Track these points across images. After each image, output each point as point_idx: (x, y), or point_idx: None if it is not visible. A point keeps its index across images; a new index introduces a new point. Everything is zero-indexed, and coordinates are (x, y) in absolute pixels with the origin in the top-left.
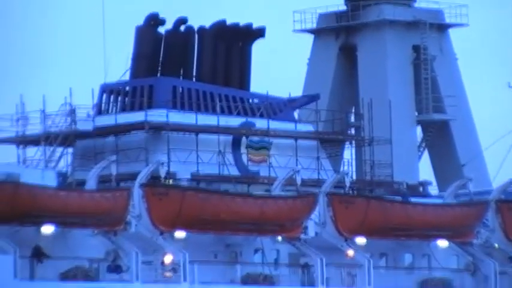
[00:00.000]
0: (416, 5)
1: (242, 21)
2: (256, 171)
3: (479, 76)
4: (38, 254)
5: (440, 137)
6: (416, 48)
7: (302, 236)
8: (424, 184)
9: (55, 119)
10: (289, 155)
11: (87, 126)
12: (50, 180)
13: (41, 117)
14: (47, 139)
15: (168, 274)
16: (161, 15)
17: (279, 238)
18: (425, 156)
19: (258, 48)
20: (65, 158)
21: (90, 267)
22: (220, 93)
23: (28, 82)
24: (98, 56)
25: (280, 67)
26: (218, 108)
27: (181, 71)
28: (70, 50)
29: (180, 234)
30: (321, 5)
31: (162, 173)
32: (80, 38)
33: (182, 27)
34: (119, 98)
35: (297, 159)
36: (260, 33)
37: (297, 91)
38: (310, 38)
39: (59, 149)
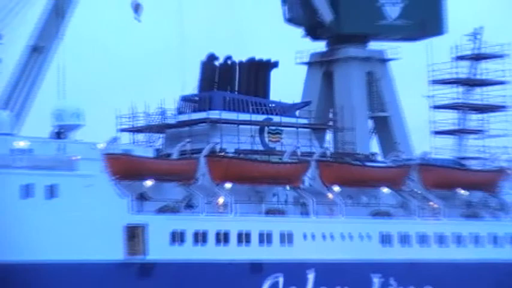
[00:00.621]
0: (370, 45)
1: (265, 57)
2: (273, 147)
3: (407, 88)
4: (142, 198)
5: (383, 126)
6: (369, 73)
7: (301, 185)
8: (374, 154)
9: (153, 117)
10: (293, 138)
11: (172, 120)
12: (149, 153)
13: (144, 116)
14: (148, 129)
15: (221, 209)
16: (216, 53)
17: (288, 187)
18: (375, 137)
19: (274, 73)
20: (159, 140)
21: (174, 205)
22: (252, 101)
23: (137, 94)
24: (178, 77)
25: (288, 85)
26: (250, 109)
27: (229, 88)
28: (161, 73)
29: (228, 185)
30: (312, 48)
31: (217, 149)
32: (164, 66)
33: (229, 61)
34: (191, 104)
35: (298, 140)
36: (275, 64)
37: (298, 99)
38: (305, 67)
39: (156, 135)
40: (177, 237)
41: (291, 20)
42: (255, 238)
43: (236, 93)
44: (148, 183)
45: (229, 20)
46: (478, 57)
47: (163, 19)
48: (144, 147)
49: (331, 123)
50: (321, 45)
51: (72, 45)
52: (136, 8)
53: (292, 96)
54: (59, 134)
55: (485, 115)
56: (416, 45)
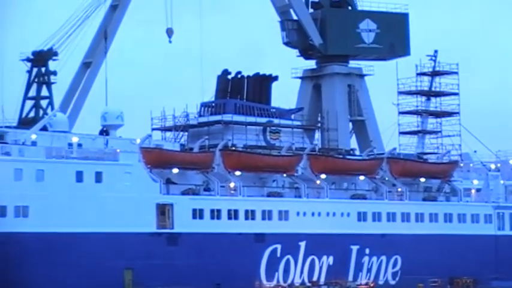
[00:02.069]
0: (350, 63)
1: (268, 72)
2: (273, 143)
3: (379, 97)
4: (169, 182)
5: (360, 127)
6: (349, 86)
7: (295, 173)
8: (353, 149)
9: (179, 118)
10: (289, 136)
11: (194, 122)
12: (176, 147)
13: (172, 118)
14: (175, 128)
15: (232, 192)
16: (229, 69)
17: (284, 175)
18: (354, 136)
19: (275, 85)
20: (183, 137)
21: (196, 187)
22: (257, 107)
23: (166, 101)
24: (199, 87)
25: (285, 94)
26: (256, 113)
27: (239, 96)
28: (186, 83)
29: (238, 173)
30: (304, 65)
31: (229, 144)
32: (189, 78)
33: (239, 75)
34: (209, 109)
35: (293, 138)
36: (276, 78)
37: (293, 106)
38: (299, 81)
39: (181, 133)
40: (197, 214)
41: (288, 43)
42: (258, 215)
43: (245, 100)
44: (175, 171)
45: (239, 43)
46: (435, 74)
47: (188, 42)
48: (171, 143)
49: (319, 124)
50: (311, 63)
51: (115, 60)
52: (169, 32)
53: (288, 103)
54: (105, 131)
55: (440, 119)
56: (386, 63)
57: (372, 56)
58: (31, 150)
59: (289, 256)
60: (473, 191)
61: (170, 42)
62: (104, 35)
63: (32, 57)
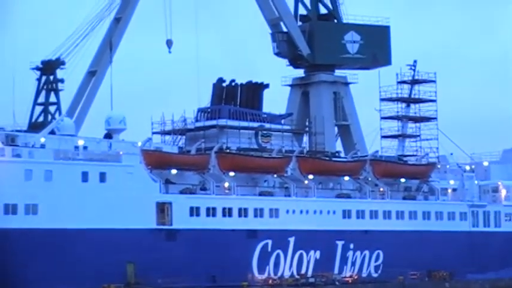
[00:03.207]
0: (336, 72)
1: (259, 80)
2: (265, 146)
3: (363, 104)
4: (168, 182)
5: (345, 131)
6: (335, 93)
7: (285, 174)
8: (338, 152)
9: (177, 123)
10: (279, 139)
11: (191, 126)
12: (174, 150)
13: (171, 123)
14: (173, 132)
15: (226, 191)
16: (224, 77)
17: (275, 175)
18: (339, 139)
19: (266, 92)
20: (181, 140)
21: (193, 187)
22: (249, 112)
23: (166, 106)
24: (195, 94)
25: (276, 100)
26: (248, 118)
27: (233, 102)
28: (184, 90)
29: (232, 173)
30: (293, 74)
31: (223, 147)
32: (186, 86)
33: (233, 83)
34: (205, 114)
35: (283, 141)
36: (267, 86)
37: (283, 111)
38: (288, 88)
39: (179, 137)
40: (194, 211)
41: (279, 54)
42: (251, 212)
43: (238, 106)
44: (173, 171)
45: (233, 53)
46: (415, 82)
47: (186, 52)
48: (170, 146)
49: (307, 129)
50: (300, 72)
51: (118, 69)
52: (168, 43)
53: (279, 109)
54: (108, 135)
55: (419, 124)
56: (369, 72)
57: (356, 66)
58: (40, 152)
59: (279, 251)
60: (449, 190)
61: (170, 52)
62: (109, 46)
63: (41, 66)
